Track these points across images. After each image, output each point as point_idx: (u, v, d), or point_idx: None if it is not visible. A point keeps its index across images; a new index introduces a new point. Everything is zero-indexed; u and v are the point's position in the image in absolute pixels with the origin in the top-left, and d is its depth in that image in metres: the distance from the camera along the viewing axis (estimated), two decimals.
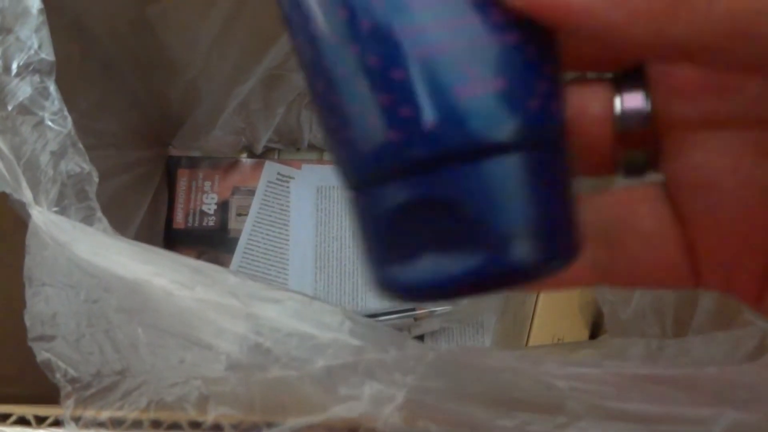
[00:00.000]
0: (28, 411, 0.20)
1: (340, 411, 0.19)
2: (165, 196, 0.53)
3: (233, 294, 0.20)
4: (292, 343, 0.19)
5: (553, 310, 0.40)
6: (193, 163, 0.54)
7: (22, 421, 0.20)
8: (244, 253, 0.52)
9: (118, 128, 0.45)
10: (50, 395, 0.22)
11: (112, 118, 0.44)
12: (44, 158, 0.26)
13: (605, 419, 0.18)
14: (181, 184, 0.54)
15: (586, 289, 0.39)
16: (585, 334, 0.40)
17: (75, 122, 0.28)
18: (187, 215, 0.53)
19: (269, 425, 0.20)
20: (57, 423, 0.20)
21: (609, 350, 0.24)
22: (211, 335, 0.20)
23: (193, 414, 0.19)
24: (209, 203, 0.53)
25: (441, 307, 0.50)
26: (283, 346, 0.19)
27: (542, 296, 0.41)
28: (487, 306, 0.48)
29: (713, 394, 0.18)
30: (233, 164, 0.53)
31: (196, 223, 0.53)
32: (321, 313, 0.20)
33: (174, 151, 0.54)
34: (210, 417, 0.19)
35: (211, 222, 0.53)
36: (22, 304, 0.23)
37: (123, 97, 0.44)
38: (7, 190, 0.23)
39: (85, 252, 0.22)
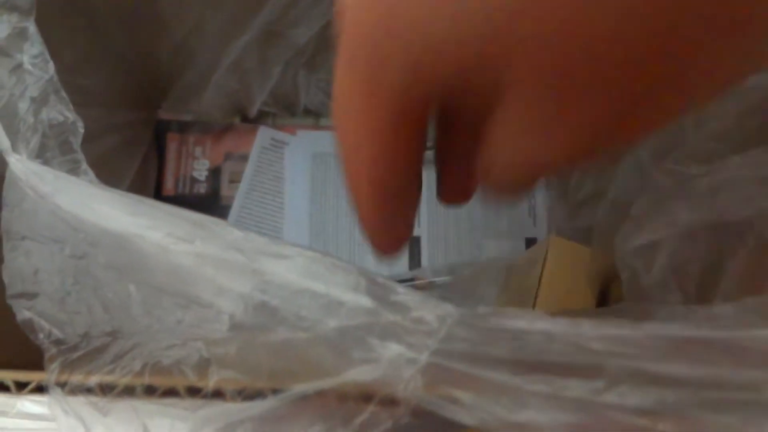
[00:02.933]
0: (7, 376, 0.18)
1: (355, 375, 0.17)
2: (154, 162, 0.51)
3: (236, 248, 0.18)
4: (301, 301, 0.18)
5: (559, 282, 0.39)
6: (184, 128, 0.51)
7: (1, 387, 0.18)
8: (237, 221, 0.50)
9: (104, 87, 0.42)
10: (33, 362, 0.20)
11: (98, 76, 0.41)
12: (23, 105, 0.23)
13: (646, 384, 0.16)
14: (171, 149, 0.51)
15: (595, 260, 0.38)
16: (592, 304, 0.39)
17: (59, 76, 0.26)
18: (177, 181, 0.51)
19: (275, 392, 0.18)
20: (40, 389, 0.18)
21: (636, 315, 0.22)
22: (211, 293, 0.18)
23: (193, 379, 0.17)
24: (200, 169, 0.51)
25: (440, 278, 0.48)
26: (291, 305, 0.18)
27: (548, 267, 0.39)
28: (489, 277, 0.46)
29: (761, 358, 0.17)
30: (225, 129, 0.51)
31: (187, 190, 0.51)
32: (334, 271, 0.18)
33: (164, 115, 0.51)
34: (211, 382, 0.17)
35: (202, 189, 0.51)
36: None
37: (109, 54, 0.42)
38: None
39: (69, 204, 0.19)
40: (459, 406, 0.17)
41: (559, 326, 0.17)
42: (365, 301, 0.18)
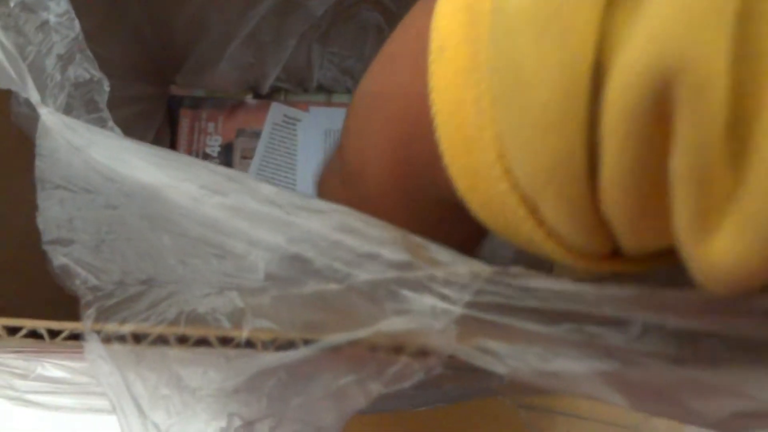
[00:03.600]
0: (40, 324, 0.18)
1: (388, 326, 0.17)
2: (166, 137, 0.51)
3: (271, 202, 0.18)
4: (335, 253, 0.18)
5: None
6: (196, 103, 0.51)
7: (33, 335, 0.18)
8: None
9: (119, 58, 0.42)
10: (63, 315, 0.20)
11: (114, 46, 0.41)
12: (50, 62, 0.23)
13: (680, 333, 0.16)
14: (183, 125, 0.51)
15: None
16: None
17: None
18: None
19: (307, 342, 0.18)
20: (73, 336, 0.18)
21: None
22: (246, 244, 0.18)
23: (228, 328, 0.18)
24: (213, 145, 0.51)
25: None
26: (325, 257, 0.18)
27: None
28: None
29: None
30: (238, 105, 0.51)
31: None
32: (368, 226, 0.18)
33: (176, 90, 0.51)
34: (245, 331, 0.18)
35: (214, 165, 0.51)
36: (30, 225, 0.21)
37: (125, 25, 0.42)
38: (13, 88, 0.21)
39: (102, 156, 0.20)
40: (492, 356, 0.17)
41: (589, 288, 0.17)
42: (399, 255, 0.18)
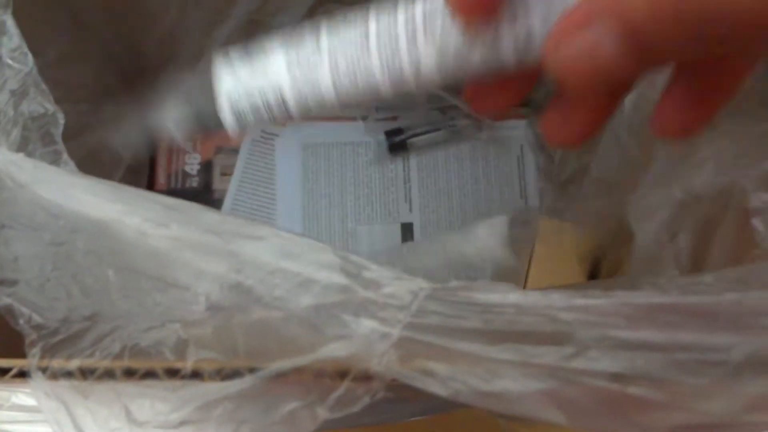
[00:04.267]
0: None
1: (330, 352, 0.17)
2: (145, 157, 0.51)
3: (212, 231, 0.19)
4: (275, 281, 0.18)
5: (550, 260, 0.39)
6: None
7: None
8: (230, 213, 0.50)
9: (90, 82, 0.42)
10: (17, 350, 0.21)
11: (84, 71, 0.41)
12: (3, 97, 0.24)
13: (616, 348, 0.16)
14: (162, 145, 0.51)
15: (585, 238, 0.38)
16: (583, 279, 0.39)
17: (43, 72, 0.26)
18: (169, 176, 0.51)
19: (252, 370, 0.18)
20: (22, 374, 0.18)
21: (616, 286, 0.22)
22: (188, 276, 0.18)
23: (171, 359, 0.18)
24: (192, 163, 0.51)
25: None
26: (266, 285, 0.18)
27: (538, 246, 0.40)
28: None
29: (731, 321, 0.17)
30: None
31: (179, 185, 0.51)
32: (307, 251, 0.19)
33: None
34: (189, 362, 0.18)
35: (194, 183, 0.51)
36: None
37: (94, 49, 0.42)
38: None
39: (48, 192, 0.20)
40: (433, 379, 0.17)
41: (529, 298, 0.17)
42: (338, 279, 0.18)
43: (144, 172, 0.51)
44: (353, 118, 0.51)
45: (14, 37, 0.25)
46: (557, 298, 0.17)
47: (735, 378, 0.16)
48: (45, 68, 0.26)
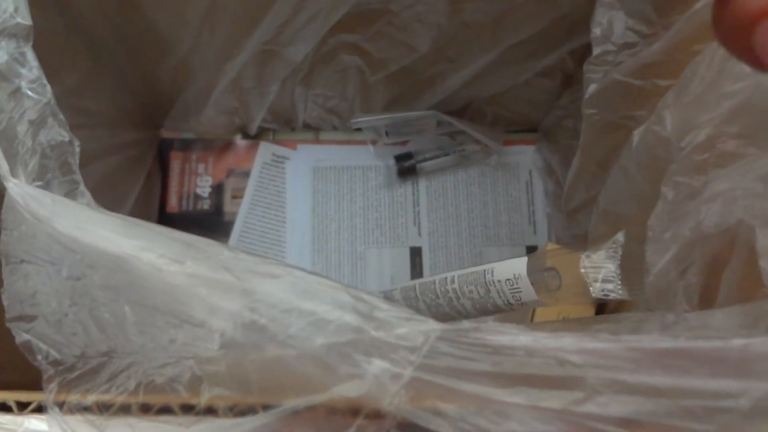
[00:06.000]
0: (9, 396, 0.19)
1: (342, 390, 0.18)
2: (158, 180, 0.52)
3: (227, 268, 0.19)
4: (289, 320, 0.18)
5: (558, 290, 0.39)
6: (186, 146, 0.52)
7: (3, 408, 0.19)
8: (240, 236, 0.51)
9: (106, 108, 0.43)
10: (36, 383, 0.21)
11: (101, 98, 0.42)
12: (22, 128, 0.24)
13: (625, 393, 0.16)
14: (174, 167, 0.52)
15: None
16: (591, 312, 0.39)
17: (60, 100, 0.26)
18: (180, 199, 0.52)
19: (266, 407, 0.18)
20: (40, 409, 0.19)
21: (624, 325, 0.22)
22: (203, 312, 0.19)
23: (185, 396, 0.18)
24: (203, 186, 0.52)
25: None
26: (280, 324, 0.18)
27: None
28: None
29: (739, 366, 0.17)
30: (227, 146, 0.52)
31: (190, 207, 0.52)
32: (321, 289, 0.19)
33: (166, 134, 0.52)
34: (203, 399, 0.18)
35: (205, 205, 0.52)
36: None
37: (111, 76, 0.43)
38: None
39: (66, 227, 0.20)
40: (443, 419, 0.17)
41: (540, 341, 0.17)
42: (351, 319, 0.18)
43: (156, 195, 0.52)
44: (363, 142, 0.52)
45: (34, 68, 0.26)
46: (567, 341, 0.17)
47: (744, 424, 0.16)
48: (63, 95, 0.26)
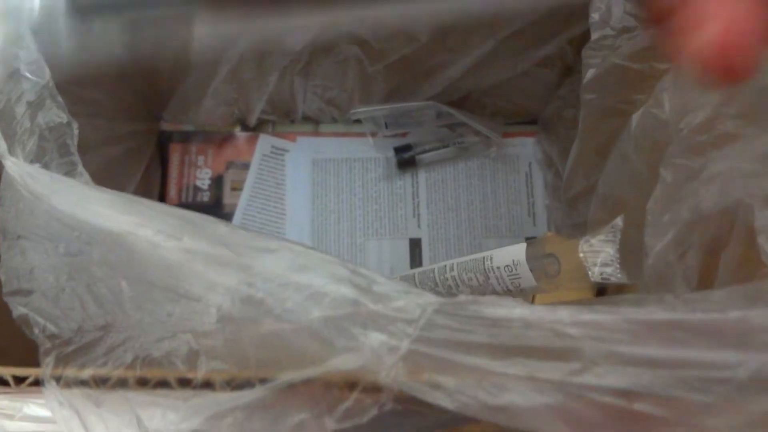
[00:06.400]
0: (5, 371, 0.19)
1: (339, 363, 0.18)
2: (157, 172, 0.52)
3: (224, 243, 0.19)
4: (286, 293, 0.18)
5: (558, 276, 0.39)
6: (186, 138, 0.52)
7: (0, 382, 0.19)
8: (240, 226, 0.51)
9: (106, 98, 0.43)
10: (32, 359, 0.21)
11: (100, 88, 0.42)
12: (20, 109, 0.24)
13: (622, 364, 0.16)
14: (174, 159, 0.52)
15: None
16: (590, 297, 0.39)
17: (60, 88, 0.27)
18: (180, 191, 0.52)
19: (263, 381, 0.18)
20: (37, 383, 0.19)
21: (623, 302, 0.22)
22: (200, 287, 0.19)
23: (182, 370, 0.18)
24: (203, 178, 0.52)
25: None
26: (277, 297, 0.18)
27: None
28: None
29: (737, 338, 0.17)
30: (227, 138, 0.52)
31: (190, 199, 0.52)
32: (318, 264, 0.19)
33: (166, 126, 0.52)
34: (200, 373, 0.18)
35: (205, 197, 0.52)
36: None
37: (110, 68, 0.43)
38: None
39: (64, 204, 0.20)
40: (441, 392, 0.17)
41: (537, 313, 0.17)
42: (348, 292, 0.18)
43: (156, 186, 0.52)
44: (363, 134, 0.52)
45: (32, 50, 0.26)
46: (564, 314, 0.17)
47: (741, 395, 0.16)
48: (65, 84, 0.26)
